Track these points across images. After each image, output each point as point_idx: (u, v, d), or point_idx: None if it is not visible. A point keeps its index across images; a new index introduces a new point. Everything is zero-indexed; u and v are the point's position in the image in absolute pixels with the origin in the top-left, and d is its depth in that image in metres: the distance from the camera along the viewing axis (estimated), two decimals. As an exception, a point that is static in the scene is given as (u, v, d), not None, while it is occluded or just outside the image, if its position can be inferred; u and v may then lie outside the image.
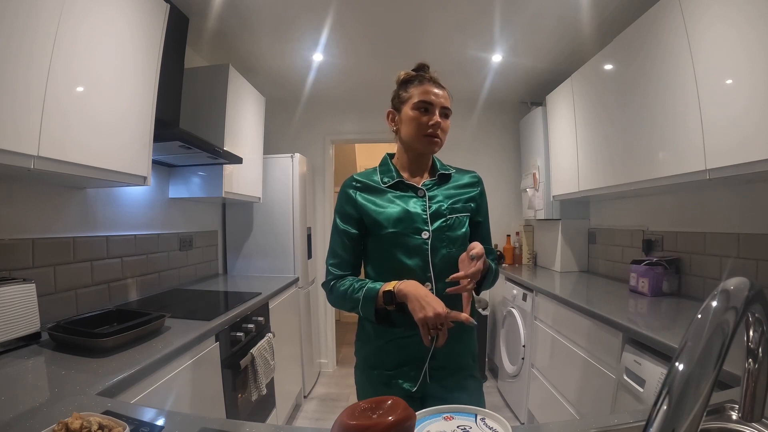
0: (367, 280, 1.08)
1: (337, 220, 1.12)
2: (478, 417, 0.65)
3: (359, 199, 1.09)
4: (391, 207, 1.07)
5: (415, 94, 1.07)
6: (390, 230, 1.05)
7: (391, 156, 1.18)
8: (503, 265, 3.43)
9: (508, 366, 2.77)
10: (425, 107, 1.06)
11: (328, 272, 1.12)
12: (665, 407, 0.34)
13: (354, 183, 1.12)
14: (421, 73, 1.10)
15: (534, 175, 3.05)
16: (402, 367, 1.06)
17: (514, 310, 2.71)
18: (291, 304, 2.66)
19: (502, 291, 3.08)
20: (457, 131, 3.52)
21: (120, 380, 0.96)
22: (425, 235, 1.05)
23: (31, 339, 1.19)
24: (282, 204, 2.90)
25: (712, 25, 1.38)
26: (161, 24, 1.61)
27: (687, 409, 0.33)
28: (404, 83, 1.11)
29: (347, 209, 1.10)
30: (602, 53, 2.13)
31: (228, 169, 2.27)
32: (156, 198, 2.18)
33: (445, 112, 1.08)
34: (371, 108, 3.50)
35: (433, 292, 1.02)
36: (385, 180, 1.11)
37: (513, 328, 2.70)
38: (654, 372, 1.27)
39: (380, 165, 1.16)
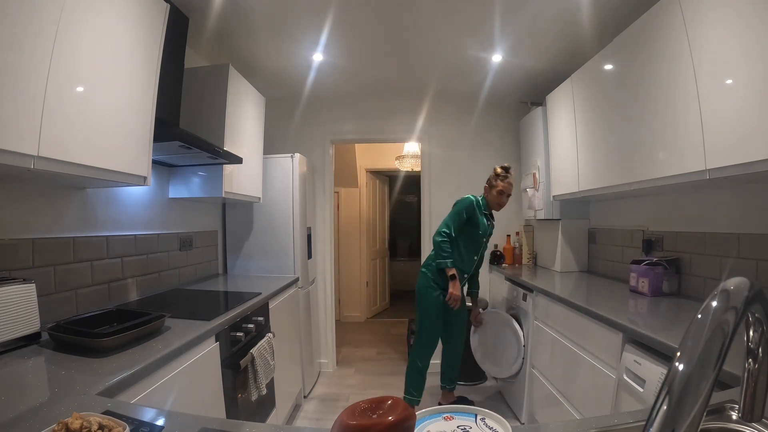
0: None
1: (463, 214, 2.48)
2: (478, 417, 0.65)
3: (476, 211, 2.51)
4: (481, 219, 2.54)
5: (500, 185, 2.50)
6: (478, 231, 2.54)
7: (482, 197, 2.59)
8: (503, 265, 3.43)
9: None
10: (502, 193, 2.52)
11: (446, 233, 2.45)
12: (665, 407, 0.34)
13: (476, 203, 2.52)
14: (505, 174, 2.50)
15: (534, 175, 3.05)
16: None
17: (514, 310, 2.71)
18: (291, 304, 2.66)
19: (502, 291, 3.08)
20: (457, 131, 3.53)
21: (120, 380, 0.96)
22: (483, 238, 2.59)
23: (31, 339, 1.19)
24: (282, 204, 2.89)
25: (713, 25, 1.38)
26: (161, 24, 1.61)
27: (687, 409, 0.33)
28: (496, 176, 2.51)
29: (469, 211, 2.49)
30: (602, 53, 2.12)
31: (228, 169, 2.27)
32: (156, 198, 2.18)
33: (509, 196, 2.54)
34: (371, 108, 3.50)
35: (472, 264, 2.61)
36: (483, 210, 2.56)
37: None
38: (654, 372, 1.27)
39: (482, 200, 2.57)
